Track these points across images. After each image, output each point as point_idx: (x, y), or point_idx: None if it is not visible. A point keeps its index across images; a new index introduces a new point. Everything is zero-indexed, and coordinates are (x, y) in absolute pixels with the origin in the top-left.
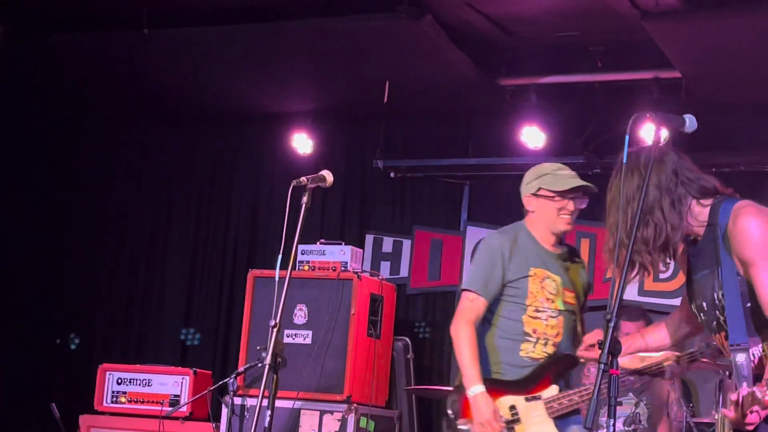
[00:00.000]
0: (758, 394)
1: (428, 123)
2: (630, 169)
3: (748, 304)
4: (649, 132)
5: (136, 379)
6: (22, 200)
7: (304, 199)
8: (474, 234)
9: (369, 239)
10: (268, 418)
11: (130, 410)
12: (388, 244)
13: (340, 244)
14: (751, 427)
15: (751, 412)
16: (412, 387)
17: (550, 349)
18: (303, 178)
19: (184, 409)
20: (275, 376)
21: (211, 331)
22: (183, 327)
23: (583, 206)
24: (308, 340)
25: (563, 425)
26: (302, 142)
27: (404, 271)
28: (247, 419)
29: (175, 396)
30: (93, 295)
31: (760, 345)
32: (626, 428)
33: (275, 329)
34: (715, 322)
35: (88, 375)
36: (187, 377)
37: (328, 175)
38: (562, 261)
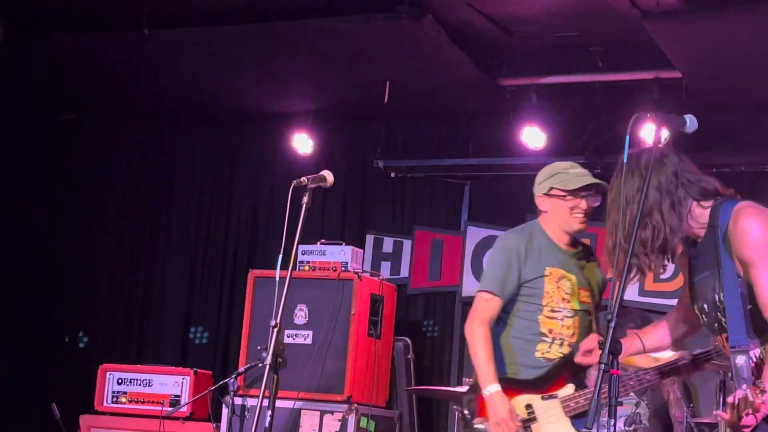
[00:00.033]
0: (750, 397)
1: (429, 123)
2: (630, 170)
3: (749, 306)
4: (650, 132)
5: (137, 379)
6: (22, 200)
7: (305, 199)
8: (474, 234)
9: (369, 239)
10: (268, 419)
11: (130, 410)
12: (388, 244)
13: (341, 244)
14: (747, 430)
15: (747, 414)
16: (413, 387)
17: (565, 350)
18: (303, 178)
19: (185, 410)
20: (276, 377)
21: (212, 331)
22: (187, 329)
23: (597, 204)
24: (309, 341)
25: (579, 424)
26: (302, 142)
27: (405, 272)
28: (247, 419)
29: (176, 396)
30: (93, 295)
31: (760, 347)
32: (627, 428)
33: (276, 329)
34: (716, 324)
35: (88, 375)
36: (188, 377)
37: (328, 175)
38: (577, 260)
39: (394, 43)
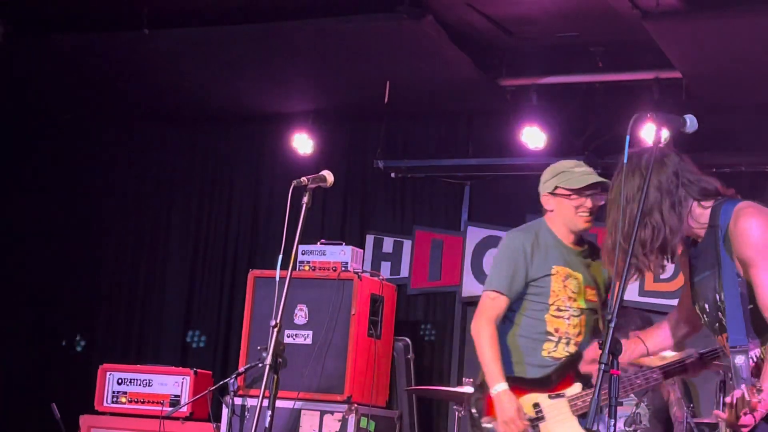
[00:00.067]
0: (747, 396)
1: (429, 123)
2: (631, 169)
3: (749, 306)
4: (650, 132)
5: (137, 380)
6: (22, 200)
7: (305, 199)
8: (474, 234)
9: (369, 239)
10: (268, 419)
11: (130, 410)
12: (388, 244)
13: (341, 244)
14: (746, 430)
15: (745, 414)
16: (413, 387)
17: (572, 349)
18: (303, 178)
19: (185, 410)
20: (276, 377)
21: (212, 331)
22: (187, 329)
23: (602, 203)
24: (309, 341)
25: (587, 423)
26: (303, 143)
27: (405, 272)
28: (247, 419)
29: (176, 396)
30: (93, 295)
31: (760, 347)
32: (627, 428)
33: (276, 329)
34: (717, 324)
35: (88, 375)
36: (188, 377)
37: (328, 175)
38: (583, 258)
39: (394, 43)
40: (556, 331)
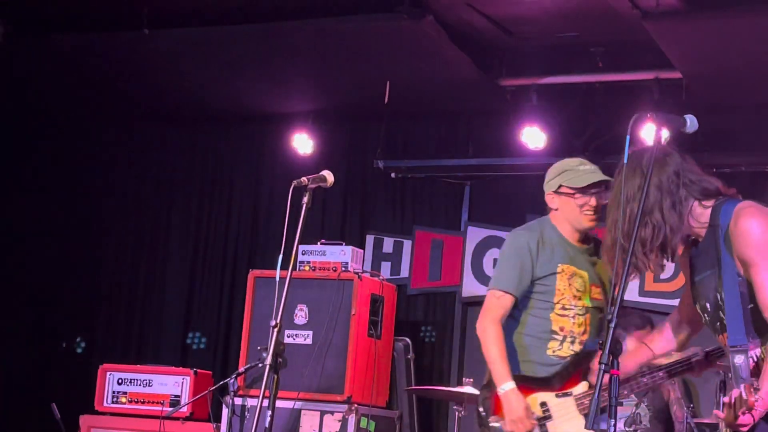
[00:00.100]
0: (744, 395)
1: (429, 123)
2: (632, 168)
3: (750, 306)
4: (650, 132)
5: (137, 380)
6: (21, 200)
7: (305, 199)
8: (474, 234)
9: (369, 239)
10: (268, 419)
11: (130, 410)
12: (388, 244)
13: (341, 244)
14: (744, 429)
15: (743, 413)
16: (413, 387)
17: (577, 347)
18: (303, 179)
19: (185, 410)
20: (276, 377)
21: (212, 331)
22: (187, 329)
23: (607, 201)
24: (309, 341)
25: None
26: (303, 143)
27: (405, 272)
28: (247, 420)
29: (176, 396)
30: (93, 295)
31: (760, 347)
32: (627, 429)
33: (276, 329)
34: (718, 323)
35: (88, 375)
36: (188, 377)
37: (328, 176)
38: (588, 256)
39: (394, 43)
40: (561, 329)
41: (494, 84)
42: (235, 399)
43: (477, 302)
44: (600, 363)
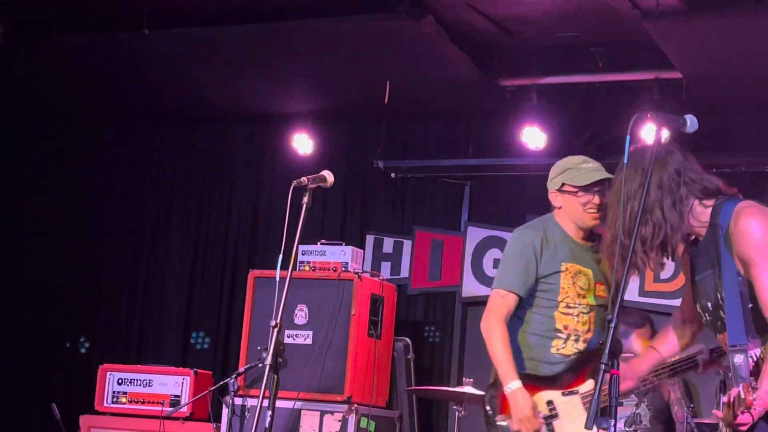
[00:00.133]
0: (742, 394)
1: (429, 123)
2: (633, 166)
3: (750, 305)
4: (650, 132)
5: (137, 380)
6: (21, 200)
7: (305, 199)
8: (474, 234)
9: (369, 240)
10: (268, 419)
11: (130, 410)
12: (388, 244)
13: (341, 244)
14: (744, 428)
15: (742, 412)
16: (413, 387)
17: (581, 346)
18: (303, 179)
19: (185, 410)
20: (276, 377)
21: (212, 331)
22: (187, 329)
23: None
24: (309, 341)
25: (600, 420)
26: (303, 143)
27: (405, 272)
28: (247, 420)
29: (176, 396)
30: (93, 295)
31: (761, 347)
32: (627, 429)
33: (276, 329)
34: (719, 322)
35: (88, 375)
36: (188, 377)
37: (328, 176)
38: (593, 253)
39: (394, 43)
40: (565, 328)
41: (494, 84)
42: (235, 399)
43: (477, 302)
44: (600, 363)
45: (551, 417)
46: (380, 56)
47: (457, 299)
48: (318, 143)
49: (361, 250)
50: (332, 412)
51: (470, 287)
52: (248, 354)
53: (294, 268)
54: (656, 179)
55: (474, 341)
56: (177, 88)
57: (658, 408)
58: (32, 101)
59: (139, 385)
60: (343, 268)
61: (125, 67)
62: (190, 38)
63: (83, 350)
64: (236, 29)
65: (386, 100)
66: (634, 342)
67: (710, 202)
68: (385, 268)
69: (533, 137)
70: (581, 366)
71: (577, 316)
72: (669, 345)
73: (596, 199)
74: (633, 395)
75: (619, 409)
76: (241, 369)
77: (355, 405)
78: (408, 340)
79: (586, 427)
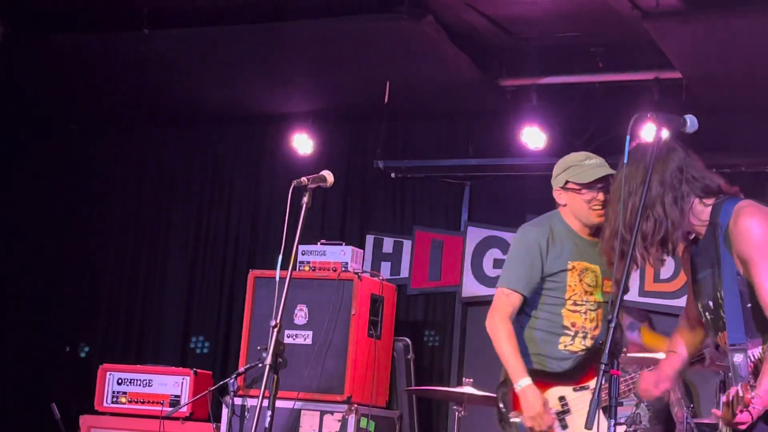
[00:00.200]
0: (740, 393)
1: (429, 123)
2: (635, 162)
3: (749, 304)
4: (650, 132)
5: (137, 380)
6: (22, 201)
7: (305, 199)
8: (474, 234)
9: (369, 240)
10: (268, 419)
11: (130, 410)
12: (388, 244)
13: (341, 244)
14: (743, 426)
15: (741, 411)
16: (413, 387)
17: (588, 343)
18: (303, 179)
19: (185, 410)
20: (276, 377)
21: (212, 331)
22: (187, 329)
23: None
24: (309, 341)
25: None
26: (303, 143)
27: (405, 272)
28: (247, 420)
29: (176, 396)
30: (93, 295)
31: (761, 347)
32: (627, 429)
33: (276, 329)
34: (720, 321)
35: (88, 375)
36: (188, 377)
37: (328, 176)
38: (599, 249)
39: (394, 43)
40: (573, 325)
41: (494, 84)
42: (235, 399)
43: (477, 302)
44: (600, 363)
45: (563, 412)
46: (380, 56)
47: (457, 299)
48: (318, 143)
49: (361, 250)
50: (332, 412)
51: (470, 287)
52: (248, 354)
53: (294, 268)
54: (658, 175)
55: (474, 341)
56: (177, 88)
57: (658, 408)
58: (32, 101)
59: (139, 385)
60: (343, 268)
61: (125, 67)
62: (190, 38)
63: (83, 354)
64: (236, 29)
65: (386, 100)
66: (641, 336)
67: (711, 201)
68: (385, 268)
69: (533, 137)
70: (591, 362)
71: (585, 313)
72: (687, 344)
73: (600, 196)
74: (633, 395)
75: (619, 409)
76: (241, 369)
77: (355, 405)
78: (408, 340)
79: (586, 427)
